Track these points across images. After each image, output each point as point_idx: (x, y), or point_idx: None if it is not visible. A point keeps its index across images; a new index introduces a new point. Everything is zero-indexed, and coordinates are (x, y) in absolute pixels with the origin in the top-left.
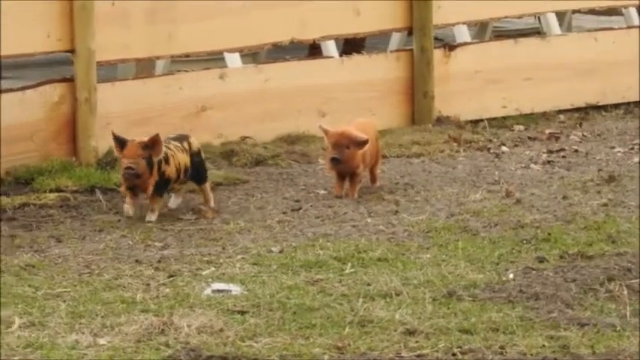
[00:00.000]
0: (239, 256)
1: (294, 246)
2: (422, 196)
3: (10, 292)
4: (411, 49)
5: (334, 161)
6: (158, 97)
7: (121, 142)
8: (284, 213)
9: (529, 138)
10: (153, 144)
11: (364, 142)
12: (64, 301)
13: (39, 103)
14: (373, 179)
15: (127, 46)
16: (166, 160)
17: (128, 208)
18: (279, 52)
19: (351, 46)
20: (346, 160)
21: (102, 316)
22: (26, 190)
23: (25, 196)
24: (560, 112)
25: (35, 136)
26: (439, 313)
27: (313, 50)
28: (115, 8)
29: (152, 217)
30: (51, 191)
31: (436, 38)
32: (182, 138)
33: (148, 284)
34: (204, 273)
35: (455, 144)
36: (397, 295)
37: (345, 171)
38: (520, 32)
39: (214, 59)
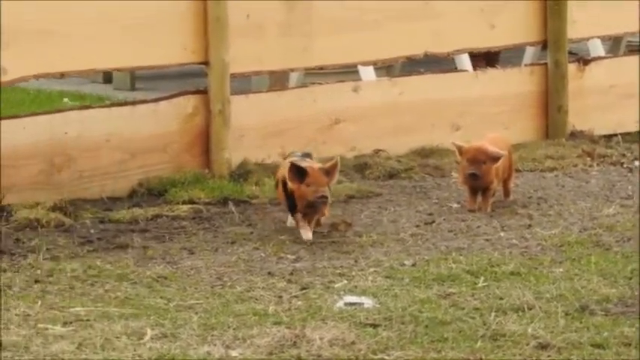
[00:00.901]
0: (371, 269)
1: (427, 259)
2: (555, 211)
3: (143, 303)
4: (545, 63)
5: (473, 177)
6: (292, 109)
7: (301, 171)
8: (417, 226)
9: None
10: (333, 170)
11: (500, 157)
12: (196, 313)
13: (172, 114)
14: (506, 193)
15: (261, 59)
16: None
17: (307, 232)
18: (414, 65)
19: (485, 59)
20: (483, 175)
21: (234, 328)
22: (159, 202)
23: (157, 207)
24: None
25: (168, 147)
26: (571, 327)
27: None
28: (249, 21)
29: (309, 234)
30: (184, 203)
31: (570, 52)
32: (307, 155)
33: (281, 296)
34: (336, 285)
35: (588, 158)
36: (529, 309)
37: (479, 186)
38: None
39: (348, 72)
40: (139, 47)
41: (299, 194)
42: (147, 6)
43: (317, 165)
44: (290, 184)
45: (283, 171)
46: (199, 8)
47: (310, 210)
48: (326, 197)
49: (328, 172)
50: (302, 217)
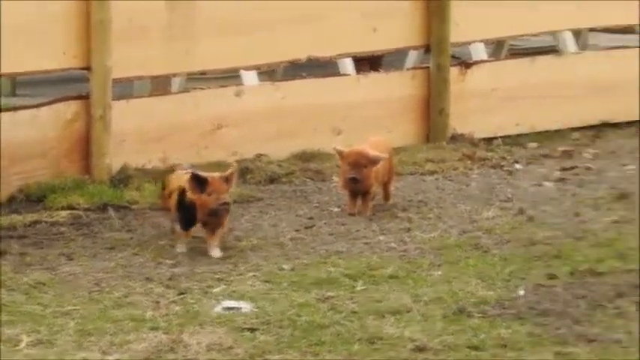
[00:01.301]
0: (250, 274)
1: (306, 263)
2: (435, 214)
3: (19, 310)
4: (428, 67)
5: (353, 181)
6: (174, 114)
7: (202, 181)
8: (297, 230)
9: (542, 156)
10: (231, 177)
11: (380, 161)
12: (73, 319)
13: (52, 120)
14: (387, 197)
15: (144, 63)
16: None
17: (215, 250)
18: (296, 69)
19: (369, 63)
20: (363, 179)
21: (111, 334)
22: (38, 208)
23: (36, 213)
24: (573, 129)
25: (48, 153)
26: (449, 329)
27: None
28: (132, 24)
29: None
30: (63, 209)
31: (453, 56)
32: (192, 167)
33: (158, 302)
34: (214, 290)
35: (469, 161)
36: (407, 312)
37: (359, 190)
38: (536, 50)
39: (231, 77)
40: (18, 52)
41: (201, 203)
42: (26, 8)
43: (216, 174)
44: (190, 195)
45: (177, 183)
46: (81, 10)
47: (212, 219)
48: (228, 204)
49: (227, 180)
50: (204, 228)
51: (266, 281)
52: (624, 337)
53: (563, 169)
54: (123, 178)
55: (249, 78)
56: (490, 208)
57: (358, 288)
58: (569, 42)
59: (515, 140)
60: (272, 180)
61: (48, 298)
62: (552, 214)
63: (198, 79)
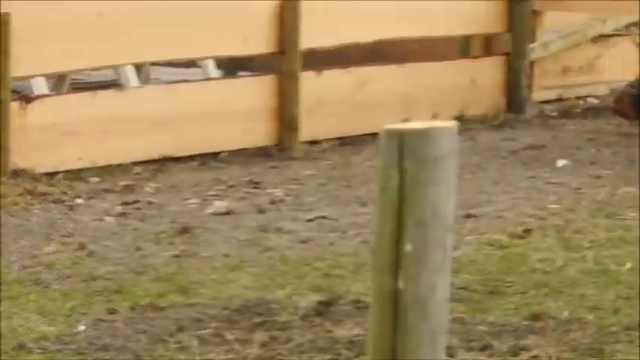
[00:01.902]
0: None
1: None
2: None
3: None
4: None
5: None
6: None
7: None
8: None
9: (104, 190)
10: None
11: None
12: None
13: None
14: None
15: None
16: None
17: None
18: None
19: None
20: None
21: None
22: None
23: None
24: (136, 163)
25: None
26: None
27: None
28: None
29: None
30: None
31: (14, 91)
32: None
33: None
34: None
35: (29, 197)
36: None
37: None
38: (99, 84)
39: None
40: None
41: None
42: None
43: None
44: None
45: None
46: None
47: None
48: None
49: None
50: None
51: None
52: None
53: (125, 204)
54: None
55: None
56: (51, 243)
57: None
58: (130, 76)
59: (77, 175)
60: None
61: None
62: (113, 248)
63: None
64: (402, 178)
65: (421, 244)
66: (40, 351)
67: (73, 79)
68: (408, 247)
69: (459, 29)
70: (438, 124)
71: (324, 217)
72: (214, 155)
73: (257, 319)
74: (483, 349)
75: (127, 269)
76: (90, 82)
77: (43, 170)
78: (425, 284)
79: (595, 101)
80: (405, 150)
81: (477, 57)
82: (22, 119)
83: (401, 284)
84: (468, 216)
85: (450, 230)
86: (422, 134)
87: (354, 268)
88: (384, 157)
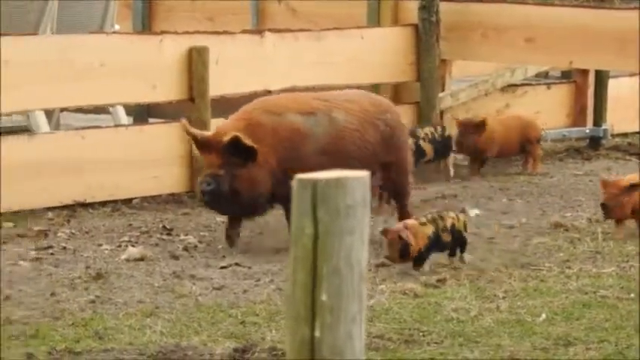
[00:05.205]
0: None
1: None
2: None
3: None
4: None
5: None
6: None
7: None
8: None
9: (18, 235)
10: None
11: None
12: None
13: None
14: None
15: None
16: None
17: None
18: None
19: None
20: None
21: None
22: None
23: None
24: (49, 209)
25: None
26: None
27: None
28: None
29: None
30: None
31: None
32: None
33: None
34: None
35: None
36: None
37: None
38: (9, 130)
39: None
40: None
41: None
42: None
43: None
44: None
45: None
46: None
47: None
48: None
49: None
50: None
51: None
52: None
53: (39, 249)
54: None
55: None
56: None
57: None
58: (40, 122)
59: None
60: None
61: None
62: (29, 293)
63: None
64: (315, 227)
65: (337, 294)
66: None
67: None
68: (323, 297)
69: (367, 77)
70: (350, 173)
71: (237, 265)
72: (126, 201)
73: None
74: None
75: (42, 314)
76: (1, 128)
77: None
78: (342, 333)
79: None
80: (319, 199)
81: None
82: None
83: (317, 333)
84: (381, 265)
85: (365, 279)
86: (335, 183)
87: (268, 315)
88: (298, 206)
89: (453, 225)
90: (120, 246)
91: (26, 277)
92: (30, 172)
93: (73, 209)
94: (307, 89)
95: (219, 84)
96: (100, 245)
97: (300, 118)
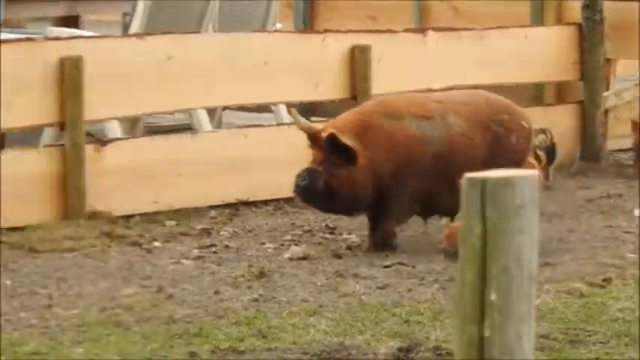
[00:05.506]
0: None
1: None
2: (74, 291)
3: None
4: (63, 145)
5: None
6: None
7: None
8: None
9: (180, 233)
10: None
11: None
12: None
13: None
14: None
15: None
16: None
17: None
18: None
19: None
20: None
21: None
22: None
23: None
24: (211, 207)
25: None
26: None
27: None
28: None
29: None
30: None
31: (88, 134)
32: None
33: None
34: None
35: (107, 239)
36: None
37: None
38: (172, 128)
39: None
40: None
41: None
42: None
43: None
44: None
45: None
46: None
47: None
48: None
49: None
50: None
51: None
52: None
53: (202, 247)
54: None
55: None
56: (130, 286)
57: None
58: (203, 120)
59: (152, 218)
60: None
61: None
62: (192, 292)
63: None
64: (484, 226)
65: (506, 293)
66: None
67: (146, 123)
68: (492, 296)
69: (530, 77)
70: (519, 172)
71: (401, 264)
72: (289, 200)
73: None
74: None
75: (206, 312)
76: (163, 126)
77: (119, 213)
78: (511, 333)
79: None
80: (488, 198)
81: (550, 105)
82: (97, 162)
83: (487, 333)
84: (546, 264)
85: (534, 280)
86: (504, 183)
87: (432, 314)
88: (467, 206)
89: None
90: (283, 245)
91: (189, 275)
92: (193, 171)
93: (235, 208)
94: (469, 88)
95: (382, 82)
96: (263, 244)
97: (416, 123)
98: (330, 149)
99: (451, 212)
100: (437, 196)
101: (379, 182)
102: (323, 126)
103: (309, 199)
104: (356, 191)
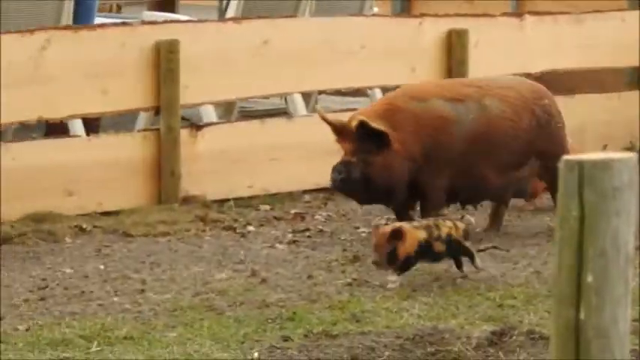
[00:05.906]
0: None
1: (41, 324)
2: (168, 275)
3: None
4: (158, 129)
5: None
6: None
7: None
8: (30, 291)
9: (275, 218)
10: None
11: None
12: None
13: None
14: None
15: None
16: None
17: None
18: (27, 131)
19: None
20: None
21: None
22: None
23: None
24: (305, 192)
25: None
26: None
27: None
28: None
29: None
30: None
31: (183, 118)
32: None
33: None
34: None
35: (201, 223)
36: None
37: None
38: (267, 112)
39: None
40: None
41: None
42: None
43: None
44: None
45: None
46: None
47: None
48: None
49: None
50: None
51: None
52: None
53: (296, 232)
54: None
55: None
56: (223, 270)
57: (93, 349)
58: (298, 104)
59: (247, 202)
60: (4, 241)
61: None
62: (285, 276)
63: None
64: (582, 209)
65: (603, 276)
66: None
67: (240, 107)
68: (589, 278)
69: (627, 61)
70: (616, 155)
71: (495, 248)
72: None
73: (430, 349)
74: None
75: (299, 297)
76: (258, 110)
77: (213, 197)
78: (607, 316)
79: None
80: (585, 181)
81: None
82: (192, 147)
83: (582, 316)
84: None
85: (631, 262)
86: (602, 165)
87: (526, 298)
88: (564, 188)
89: (449, 234)
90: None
91: (283, 259)
92: (287, 155)
93: (330, 192)
94: (566, 72)
95: (479, 67)
96: (357, 228)
97: (445, 105)
98: (361, 137)
99: (497, 196)
100: (481, 179)
101: (414, 165)
102: (349, 117)
103: (349, 191)
104: (395, 176)
